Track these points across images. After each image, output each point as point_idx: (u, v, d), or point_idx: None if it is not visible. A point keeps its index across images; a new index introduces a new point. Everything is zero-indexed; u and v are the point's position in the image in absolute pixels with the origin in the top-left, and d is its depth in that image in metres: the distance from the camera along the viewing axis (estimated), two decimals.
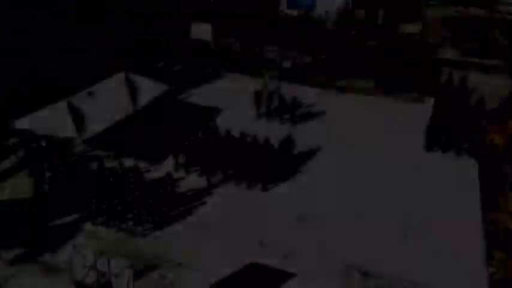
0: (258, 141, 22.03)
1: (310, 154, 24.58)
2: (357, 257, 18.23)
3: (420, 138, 25.42)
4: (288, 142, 23.06)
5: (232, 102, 28.57)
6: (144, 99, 23.97)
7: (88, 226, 18.74)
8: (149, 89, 24.52)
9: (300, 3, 45.81)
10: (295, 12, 42.30)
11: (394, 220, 20.31)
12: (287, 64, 32.81)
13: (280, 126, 26.60)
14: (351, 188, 22.22)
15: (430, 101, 29.25)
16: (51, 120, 20.94)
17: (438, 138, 25.04)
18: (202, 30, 33.63)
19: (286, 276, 17.22)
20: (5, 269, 16.42)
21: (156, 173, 21.88)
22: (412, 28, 36.35)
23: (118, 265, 12.87)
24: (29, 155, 21.70)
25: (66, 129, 20.60)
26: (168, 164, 22.48)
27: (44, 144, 21.72)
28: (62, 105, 21.40)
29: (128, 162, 21.05)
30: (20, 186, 20.47)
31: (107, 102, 22.74)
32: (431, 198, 21.75)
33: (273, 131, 24.71)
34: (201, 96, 29.80)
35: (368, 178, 22.95)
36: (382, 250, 18.64)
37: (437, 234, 19.58)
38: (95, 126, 21.22)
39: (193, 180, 21.82)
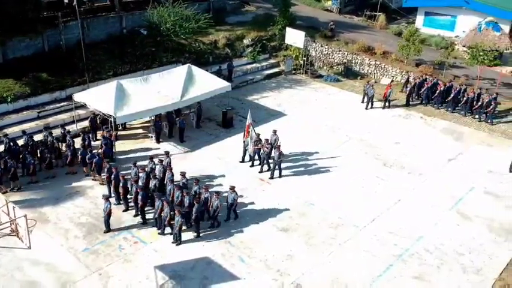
0: None
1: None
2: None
3: None
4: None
5: None
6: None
7: None
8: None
9: (438, 23, 42.87)
10: None
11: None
12: None
13: None
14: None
15: None
16: (99, 97, 23.63)
17: None
18: (295, 36, 33.70)
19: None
20: None
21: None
22: None
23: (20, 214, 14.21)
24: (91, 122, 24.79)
25: (108, 107, 22.93)
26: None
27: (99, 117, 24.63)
28: (112, 85, 23.92)
29: None
30: None
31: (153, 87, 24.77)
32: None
33: None
34: None
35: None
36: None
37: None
38: (132, 107, 23.21)
39: None
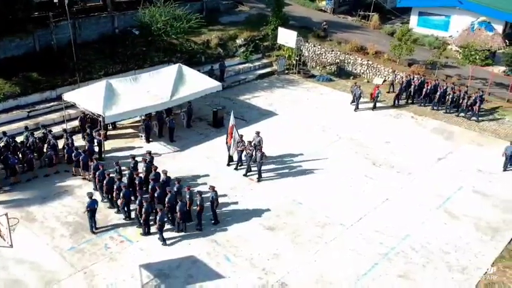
0: None
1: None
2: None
3: None
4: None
5: None
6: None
7: None
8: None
9: (432, 23, 42.94)
10: None
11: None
12: None
13: None
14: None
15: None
16: (88, 97, 23.64)
17: None
18: (287, 36, 33.77)
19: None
20: None
21: None
22: None
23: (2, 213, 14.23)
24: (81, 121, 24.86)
25: (97, 106, 22.92)
26: None
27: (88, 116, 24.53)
28: (101, 84, 23.93)
29: None
30: None
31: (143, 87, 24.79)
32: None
33: None
34: None
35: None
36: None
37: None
38: (121, 107, 23.21)
39: None
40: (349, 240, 18.62)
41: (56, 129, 24.23)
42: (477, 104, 28.42)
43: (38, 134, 22.89)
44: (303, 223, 19.52)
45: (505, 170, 23.69)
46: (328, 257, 17.75)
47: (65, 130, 23.48)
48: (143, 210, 17.71)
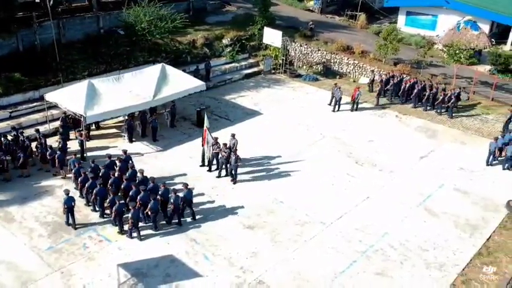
0: None
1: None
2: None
3: None
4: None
5: None
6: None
7: None
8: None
9: (419, 22, 43.10)
10: None
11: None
12: None
13: None
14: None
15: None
16: (70, 97, 23.57)
17: None
18: (273, 36, 33.82)
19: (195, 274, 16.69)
20: None
21: None
22: None
23: None
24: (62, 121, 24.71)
25: (78, 106, 22.85)
26: None
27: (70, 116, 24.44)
28: (83, 84, 23.87)
29: None
30: None
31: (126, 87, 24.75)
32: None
33: None
34: None
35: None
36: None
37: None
38: (102, 107, 23.16)
39: None
40: (329, 239, 18.65)
41: (41, 130, 24.12)
42: (452, 101, 28.62)
43: (10, 136, 22.74)
44: (283, 222, 19.54)
45: (487, 164, 23.83)
46: (306, 255, 17.78)
47: (37, 130, 23.33)
48: (114, 208, 17.76)
